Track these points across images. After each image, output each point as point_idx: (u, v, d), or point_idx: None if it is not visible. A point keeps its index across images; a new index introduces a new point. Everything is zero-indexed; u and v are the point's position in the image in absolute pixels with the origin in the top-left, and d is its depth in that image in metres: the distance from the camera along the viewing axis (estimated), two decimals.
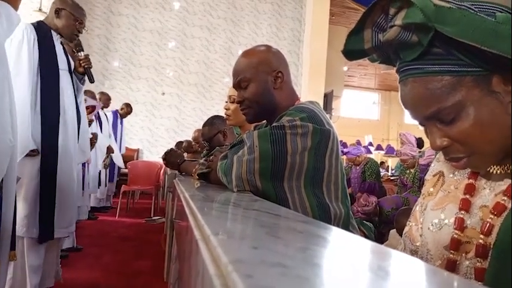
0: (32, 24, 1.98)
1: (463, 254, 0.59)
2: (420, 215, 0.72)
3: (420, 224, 0.71)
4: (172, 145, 7.32)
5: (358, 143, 6.44)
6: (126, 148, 6.49)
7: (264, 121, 1.32)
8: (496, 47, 0.47)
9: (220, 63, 8.26)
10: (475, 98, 0.53)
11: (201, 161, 2.20)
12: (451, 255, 0.60)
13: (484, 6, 0.50)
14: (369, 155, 5.09)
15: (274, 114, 1.17)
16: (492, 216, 0.56)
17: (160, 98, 8.01)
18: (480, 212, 0.58)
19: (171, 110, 8.07)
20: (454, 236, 0.60)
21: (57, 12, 2.06)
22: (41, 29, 1.98)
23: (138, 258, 3.07)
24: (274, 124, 1.05)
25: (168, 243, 2.34)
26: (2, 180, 1.33)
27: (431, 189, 0.71)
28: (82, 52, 2.18)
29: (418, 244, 0.71)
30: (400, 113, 14.69)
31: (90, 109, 3.42)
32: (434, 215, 0.65)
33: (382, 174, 5.54)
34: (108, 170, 5.04)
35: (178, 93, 8.09)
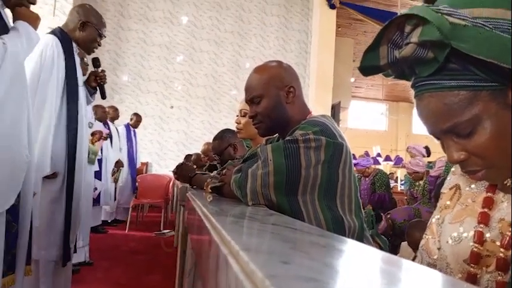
0: (55, 34, 1.94)
1: (484, 268, 0.59)
2: (437, 228, 0.72)
3: (438, 237, 0.71)
4: (181, 158, 7.36)
5: (367, 154, 6.42)
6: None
7: (276, 135, 1.34)
8: (511, 62, 0.48)
9: (228, 76, 8.33)
10: (491, 112, 0.54)
11: (212, 174, 2.22)
12: (472, 269, 0.60)
13: (499, 23, 0.51)
14: (377, 166, 5.08)
15: (287, 128, 1.19)
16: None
17: (169, 112, 8.09)
18: (499, 225, 0.59)
19: (180, 123, 8.14)
20: (474, 249, 0.60)
21: (82, 25, 2.00)
22: (65, 42, 1.94)
23: (149, 272, 3.07)
24: (287, 138, 1.06)
25: (180, 256, 2.34)
26: (19, 195, 1.36)
27: (448, 203, 0.71)
28: (100, 68, 2.19)
29: (435, 257, 0.71)
30: (408, 123, 14.65)
31: (98, 135, 3.42)
32: (452, 229, 0.65)
33: (391, 185, 5.51)
34: (128, 183, 5.10)
35: (187, 107, 8.16)
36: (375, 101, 14.25)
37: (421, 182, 3.97)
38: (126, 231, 4.70)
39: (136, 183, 5.39)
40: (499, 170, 0.57)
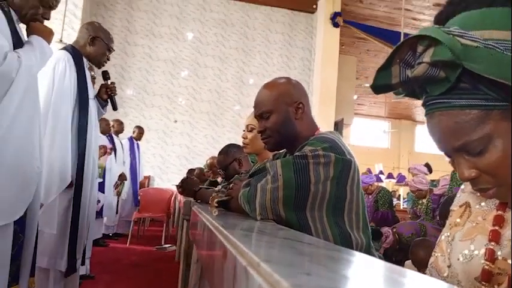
0: (66, 50, 2.01)
1: (495, 286, 0.59)
2: (447, 245, 0.72)
3: (447, 254, 0.72)
4: (183, 172, 7.36)
5: (369, 171, 6.40)
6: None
7: (283, 150, 1.35)
8: None
9: (231, 91, 8.40)
10: (502, 131, 0.55)
11: (217, 189, 2.22)
12: (483, 287, 0.60)
13: (509, 45, 0.53)
14: (380, 184, 5.06)
15: (295, 144, 1.20)
16: None
17: (173, 126, 8.14)
18: (510, 244, 0.59)
19: (183, 138, 8.17)
20: (485, 267, 0.60)
21: (92, 40, 2.09)
22: (76, 57, 2.01)
23: (150, 286, 3.05)
24: (296, 153, 1.07)
25: (183, 270, 2.33)
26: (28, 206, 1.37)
27: (458, 220, 0.71)
28: (109, 80, 2.24)
29: (445, 275, 0.71)
30: (410, 141, 14.65)
31: (103, 149, 3.44)
32: (463, 246, 0.66)
33: (394, 203, 5.49)
34: (130, 196, 5.10)
35: (190, 121, 8.21)
36: (378, 119, 14.29)
37: (424, 200, 3.96)
38: (128, 244, 4.67)
39: (139, 197, 5.39)
40: (509, 188, 0.58)
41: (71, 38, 6.54)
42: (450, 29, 0.54)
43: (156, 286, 3.07)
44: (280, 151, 1.38)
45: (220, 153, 2.39)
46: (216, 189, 2.19)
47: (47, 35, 1.51)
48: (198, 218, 1.17)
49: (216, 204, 1.58)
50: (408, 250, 2.71)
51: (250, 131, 1.79)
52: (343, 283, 0.33)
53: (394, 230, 3.40)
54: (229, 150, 2.35)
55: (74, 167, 1.91)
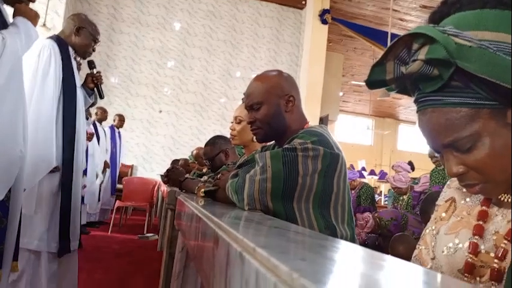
0: (52, 39, 2.01)
1: (477, 278, 0.61)
2: (431, 238, 0.75)
3: (432, 247, 0.74)
4: (167, 162, 7.31)
5: (352, 167, 6.48)
6: (121, 164, 6.48)
7: (272, 142, 1.36)
8: None
9: (218, 84, 8.36)
10: (491, 129, 0.57)
11: (203, 179, 2.22)
12: (465, 279, 0.62)
13: (501, 46, 0.54)
14: (362, 180, 5.13)
15: (284, 136, 1.21)
16: (506, 242, 0.59)
17: (157, 116, 8.06)
18: (494, 238, 0.61)
19: (168, 128, 8.11)
20: (469, 260, 0.62)
21: (77, 30, 2.10)
22: (62, 46, 2.02)
23: (132, 275, 3.03)
24: (286, 146, 1.08)
25: (165, 260, 2.32)
26: (10, 190, 1.34)
27: (444, 214, 0.74)
28: (95, 69, 2.23)
29: (428, 267, 0.74)
30: (393, 139, 14.88)
31: (88, 135, 3.44)
32: (448, 240, 0.68)
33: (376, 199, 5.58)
34: (109, 184, 5.06)
35: (176, 112, 8.15)
36: (362, 116, 14.46)
37: (405, 197, 4.04)
38: (109, 233, 4.63)
39: (120, 186, 5.36)
40: (495, 185, 0.60)
41: (54, 22, 6.38)
42: (445, 28, 0.55)
43: (138, 275, 3.05)
44: (269, 143, 1.39)
45: (207, 144, 2.38)
46: (202, 179, 2.20)
47: (33, 17, 1.48)
48: (185, 207, 1.17)
49: (203, 194, 1.59)
50: (387, 236, 2.76)
51: (239, 123, 1.79)
52: (337, 268, 0.34)
53: (376, 214, 3.43)
54: (216, 142, 2.34)
55: (60, 152, 1.93)
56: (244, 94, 1.31)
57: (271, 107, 1.21)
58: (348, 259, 0.43)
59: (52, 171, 1.89)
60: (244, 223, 0.70)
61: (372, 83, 0.65)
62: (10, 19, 1.45)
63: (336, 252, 0.46)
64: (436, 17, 0.63)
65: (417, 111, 0.64)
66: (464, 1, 0.59)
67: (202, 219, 0.74)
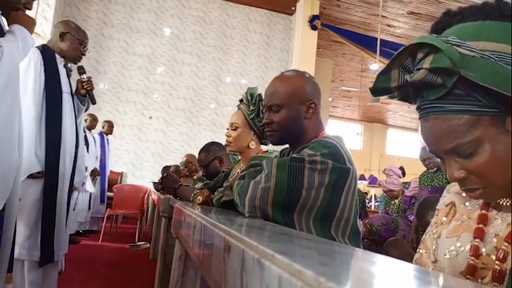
0: (37, 47, 2.01)
1: (479, 280, 0.63)
2: (432, 242, 0.76)
3: (433, 251, 0.75)
4: (157, 169, 7.26)
5: None
6: (110, 171, 6.42)
7: (288, 147, 1.31)
8: None
9: (208, 89, 8.36)
10: (491, 136, 0.59)
11: (197, 186, 2.22)
12: (468, 281, 0.64)
13: (502, 56, 0.57)
14: None
15: (299, 142, 1.18)
16: (506, 244, 0.61)
17: (147, 122, 8.01)
18: (494, 241, 0.63)
19: (158, 134, 8.06)
20: (470, 262, 0.64)
21: (61, 36, 2.10)
22: (46, 53, 2.03)
23: (124, 285, 3.00)
24: (294, 155, 1.06)
25: (160, 269, 2.31)
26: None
27: (444, 218, 0.75)
28: (85, 75, 2.22)
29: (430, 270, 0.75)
30: (382, 144, 15.03)
31: None
32: (450, 243, 0.70)
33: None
34: (99, 193, 5.00)
35: (166, 118, 8.11)
36: (351, 121, 14.58)
37: (397, 201, 4.08)
38: (100, 241, 4.58)
39: (110, 194, 5.30)
40: (495, 189, 0.62)
41: (43, 27, 6.33)
42: (448, 38, 0.57)
43: (130, 284, 3.02)
44: (285, 146, 1.32)
45: (201, 151, 2.38)
46: (197, 186, 2.19)
47: (30, 25, 1.48)
48: (185, 215, 1.17)
49: (199, 201, 1.59)
50: (379, 240, 2.79)
51: (234, 130, 1.80)
52: (357, 272, 0.36)
53: (367, 221, 3.47)
54: (210, 148, 2.35)
55: (43, 158, 1.91)
56: (265, 95, 1.23)
57: (291, 112, 1.16)
58: (362, 264, 0.44)
59: (35, 177, 1.87)
60: (254, 230, 0.71)
61: (377, 91, 0.67)
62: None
63: (351, 257, 0.48)
64: (439, 28, 0.65)
65: (419, 118, 0.66)
66: (466, 13, 0.62)
67: (208, 227, 0.74)
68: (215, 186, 1.79)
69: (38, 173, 1.88)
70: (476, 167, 0.61)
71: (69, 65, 2.61)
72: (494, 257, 0.62)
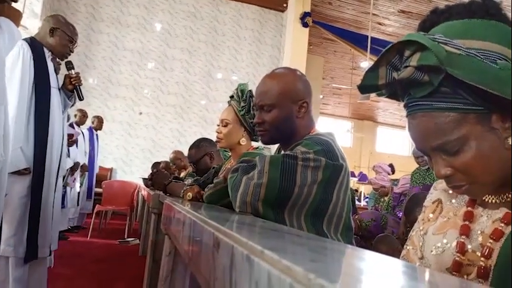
0: (25, 40, 1.98)
1: (465, 276, 0.64)
2: (419, 239, 0.77)
3: (419, 247, 0.76)
4: (146, 165, 7.22)
5: None
6: (100, 167, 6.37)
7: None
8: (498, 90, 0.54)
9: (199, 85, 8.32)
10: (477, 133, 0.59)
11: (187, 182, 2.21)
12: (453, 277, 0.65)
13: (487, 54, 0.57)
14: None
15: (291, 141, 1.17)
16: (491, 241, 0.62)
17: (137, 118, 7.95)
18: (480, 238, 0.64)
19: (148, 130, 8.01)
20: (456, 258, 0.65)
21: (51, 31, 2.07)
22: (35, 46, 1.99)
23: (113, 281, 2.98)
24: (287, 152, 1.05)
25: (149, 265, 2.30)
26: None
27: (431, 215, 0.76)
28: (73, 70, 2.19)
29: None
30: (372, 141, 15.13)
31: (68, 137, 3.36)
32: (436, 240, 0.71)
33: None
34: (86, 188, 4.95)
35: (156, 114, 8.06)
36: (341, 118, 14.66)
37: (386, 198, 4.12)
38: (88, 238, 4.54)
39: (99, 190, 5.26)
40: (480, 186, 0.63)
41: (31, 21, 6.22)
42: (435, 36, 0.57)
43: (119, 280, 3.01)
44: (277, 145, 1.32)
45: (191, 147, 2.38)
46: (186, 182, 2.19)
47: (16, 17, 1.45)
48: (174, 211, 1.17)
49: (189, 198, 1.58)
50: (369, 236, 2.81)
51: (225, 126, 1.79)
52: (347, 268, 0.36)
53: (356, 217, 3.50)
54: (200, 145, 2.34)
55: (31, 154, 1.89)
56: (256, 94, 1.21)
57: (282, 112, 1.15)
58: (352, 260, 0.44)
59: (22, 174, 1.85)
60: (244, 226, 0.71)
61: (364, 88, 0.67)
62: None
63: (340, 253, 0.48)
64: (426, 25, 0.66)
65: (407, 116, 0.66)
66: (453, 11, 0.62)
67: (198, 223, 0.74)
68: (205, 183, 1.78)
69: (25, 169, 1.86)
70: (462, 164, 0.61)
71: (58, 60, 2.58)
72: (479, 254, 0.63)
